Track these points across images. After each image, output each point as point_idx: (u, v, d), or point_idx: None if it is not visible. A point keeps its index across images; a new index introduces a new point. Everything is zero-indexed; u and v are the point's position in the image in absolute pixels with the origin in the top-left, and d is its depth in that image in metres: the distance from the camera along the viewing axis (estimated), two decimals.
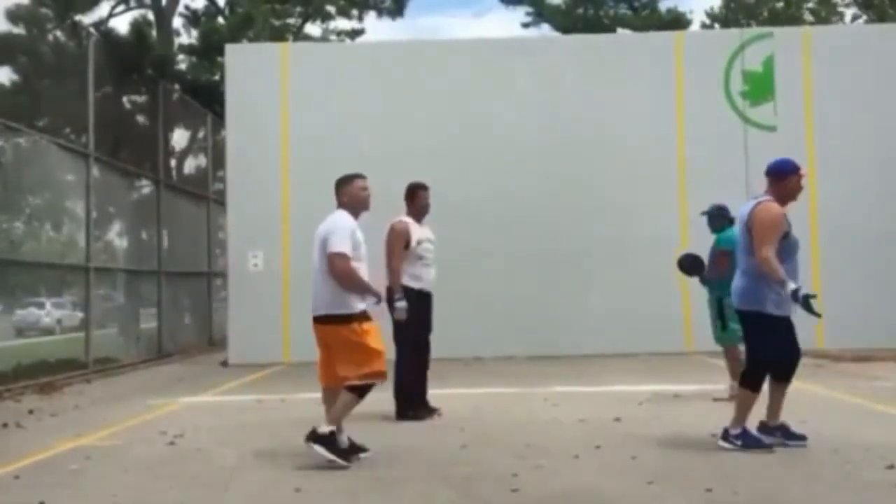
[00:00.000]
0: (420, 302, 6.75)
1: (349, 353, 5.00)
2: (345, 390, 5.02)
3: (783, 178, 5.37)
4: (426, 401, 6.90)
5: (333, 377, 5.11)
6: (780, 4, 25.86)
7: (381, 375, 5.06)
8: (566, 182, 12.17)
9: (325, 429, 4.95)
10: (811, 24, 23.95)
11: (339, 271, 5.00)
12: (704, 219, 7.75)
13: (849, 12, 25.84)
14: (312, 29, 24.70)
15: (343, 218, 5.19)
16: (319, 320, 5.11)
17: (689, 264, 7.71)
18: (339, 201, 5.33)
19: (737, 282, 5.43)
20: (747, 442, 5.24)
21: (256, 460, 5.23)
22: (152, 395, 8.72)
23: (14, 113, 10.34)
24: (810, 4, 26.28)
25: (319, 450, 4.90)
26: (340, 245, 5.01)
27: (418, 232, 6.80)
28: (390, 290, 6.54)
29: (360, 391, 5.03)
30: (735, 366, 7.29)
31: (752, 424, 5.34)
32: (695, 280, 12.64)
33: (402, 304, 6.53)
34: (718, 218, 7.64)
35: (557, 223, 12.13)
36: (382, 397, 7.52)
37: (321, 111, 12.23)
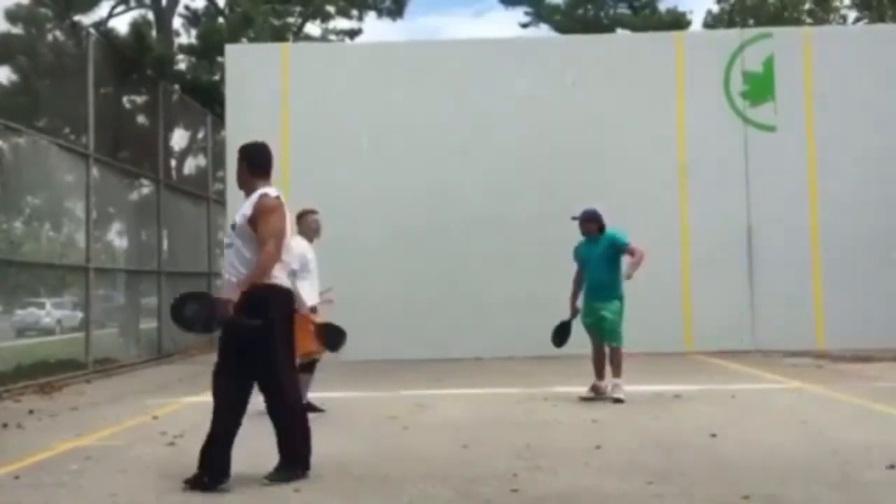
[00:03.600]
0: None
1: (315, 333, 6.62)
2: (304, 372, 6.29)
3: None
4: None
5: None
6: (781, 4, 25.84)
7: None
8: (566, 182, 12.13)
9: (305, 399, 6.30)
10: (811, 24, 23.95)
11: None
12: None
13: (850, 14, 25.84)
14: (312, 29, 24.67)
15: None
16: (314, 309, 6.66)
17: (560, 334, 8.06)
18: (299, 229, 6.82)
19: None
20: None
21: (256, 460, 5.23)
22: (152, 395, 8.72)
23: (14, 113, 10.32)
24: (808, 5, 26.25)
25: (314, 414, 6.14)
26: None
27: None
28: None
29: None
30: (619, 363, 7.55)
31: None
32: (694, 281, 12.65)
33: None
34: (591, 222, 7.85)
35: (557, 223, 12.07)
36: (386, 398, 7.51)
37: (321, 111, 12.22)
